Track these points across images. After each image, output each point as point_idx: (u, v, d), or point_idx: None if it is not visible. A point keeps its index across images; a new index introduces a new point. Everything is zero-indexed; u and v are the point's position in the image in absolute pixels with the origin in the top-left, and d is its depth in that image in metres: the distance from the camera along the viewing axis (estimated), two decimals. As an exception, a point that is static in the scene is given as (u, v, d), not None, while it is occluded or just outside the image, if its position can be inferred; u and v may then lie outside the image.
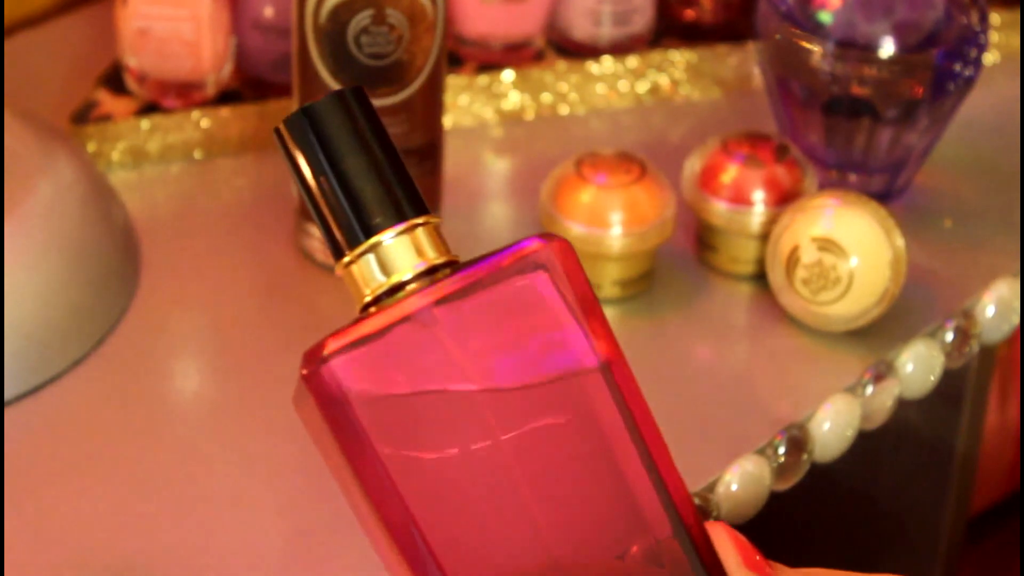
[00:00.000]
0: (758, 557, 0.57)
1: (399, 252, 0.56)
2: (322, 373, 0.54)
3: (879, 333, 0.82)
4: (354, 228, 0.55)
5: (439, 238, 0.56)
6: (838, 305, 0.80)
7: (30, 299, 0.79)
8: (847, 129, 0.87)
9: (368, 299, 0.56)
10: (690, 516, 0.57)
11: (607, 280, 0.82)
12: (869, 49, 0.85)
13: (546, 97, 0.96)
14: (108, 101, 0.92)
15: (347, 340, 0.54)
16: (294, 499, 0.73)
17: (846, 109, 0.85)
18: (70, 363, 0.79)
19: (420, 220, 0.56)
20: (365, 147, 0.56)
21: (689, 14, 0.99)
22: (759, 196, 0.83)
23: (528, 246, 0.56)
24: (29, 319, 0.79)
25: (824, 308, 0.81)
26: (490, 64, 0.94)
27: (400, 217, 0.56)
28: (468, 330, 0.55)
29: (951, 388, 0.89)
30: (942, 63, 0.85)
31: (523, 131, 0.95)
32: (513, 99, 0.95)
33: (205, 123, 0.91)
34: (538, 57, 0.96)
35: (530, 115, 0.96)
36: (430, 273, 0.56)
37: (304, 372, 0.54)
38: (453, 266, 0.56)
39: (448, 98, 0.93)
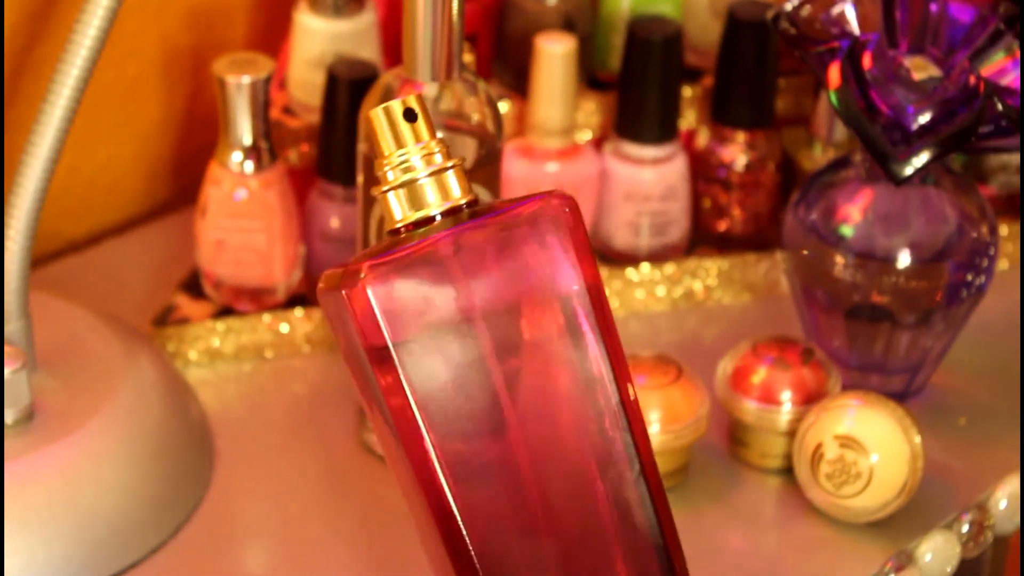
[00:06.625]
0: None
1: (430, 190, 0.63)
2: (358, 293, 0.61)
3: (899, 524, 0.82)
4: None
5: (464, 180, 0.63)
6: (859, 499, 0.81)
7: (114, 490, 0.80)
8: (868, 333, 0.88)
9: (398, 226, 0.63)
10: (649, 456, 0.64)
11: (646, 473, 0.84)
12: (887, 261, 0.85)
13: (589, 301, 0.99)
14: (186, 305, 0.93)
15: (382, 266, 0.61)
16: None
17: (867, 315, 0.87)
18: (149, 550, 0.81)
19: (450, 163, 0.63)
20: None
21: (721, 225, 1.00)
22: (787, 396, 0.85)
23: (537, 200, 0.63)
24: (113, 508, 0.80)
25: (846, 501, 0.82)
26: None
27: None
28: (478, 264, 0.61)
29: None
30: (955, 273, 0.86)
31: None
32: (558, 303, 0.97)
33: (275, 325, 0.93)
34: (582, 264, 0.99)
35: (574, 317, 0.99)
36: (454, 212, 0.63)
37: (344, 292, 0.61)
38: (473, 207, 0.63)
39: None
